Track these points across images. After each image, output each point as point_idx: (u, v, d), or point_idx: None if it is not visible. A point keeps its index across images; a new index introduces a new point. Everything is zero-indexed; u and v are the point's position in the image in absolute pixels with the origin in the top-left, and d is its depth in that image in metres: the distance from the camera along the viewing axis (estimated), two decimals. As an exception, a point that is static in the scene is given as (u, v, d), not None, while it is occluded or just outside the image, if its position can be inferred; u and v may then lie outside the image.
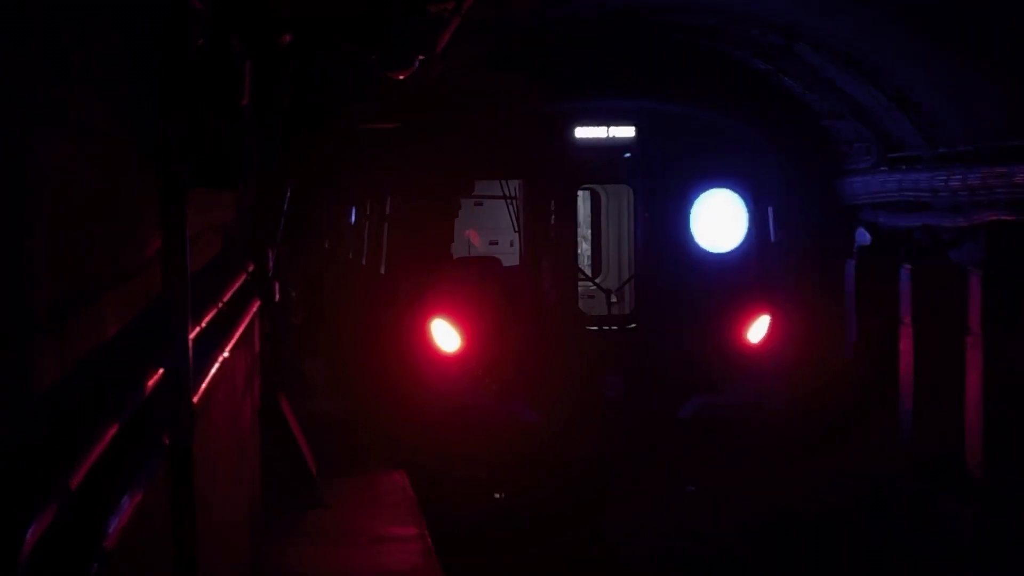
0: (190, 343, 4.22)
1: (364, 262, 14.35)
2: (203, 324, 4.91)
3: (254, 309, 6.41)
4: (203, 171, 3.94)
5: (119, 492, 2.99)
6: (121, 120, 3.71)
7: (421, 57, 6.92)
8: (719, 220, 12.09)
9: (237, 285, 5.92)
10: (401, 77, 7.07)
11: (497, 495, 10.98)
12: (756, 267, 12.08)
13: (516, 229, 12.19)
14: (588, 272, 14.01)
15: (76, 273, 2.89)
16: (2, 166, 2.14)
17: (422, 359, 11.06)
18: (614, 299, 12.32)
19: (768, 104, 12.98)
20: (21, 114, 2.29)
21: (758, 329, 11.89)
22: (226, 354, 5.06)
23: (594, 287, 13.28)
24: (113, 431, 2.85)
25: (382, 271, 12.72)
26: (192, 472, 4.30)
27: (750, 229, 12.08)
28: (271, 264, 7.69)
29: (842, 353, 13.45)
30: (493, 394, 10.90)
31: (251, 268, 6.81)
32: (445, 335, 11.17)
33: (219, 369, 5.05)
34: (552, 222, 11.82)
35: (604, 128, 11.82)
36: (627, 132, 11.82)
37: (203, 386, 4.79)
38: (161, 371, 3.94)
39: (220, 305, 5.25)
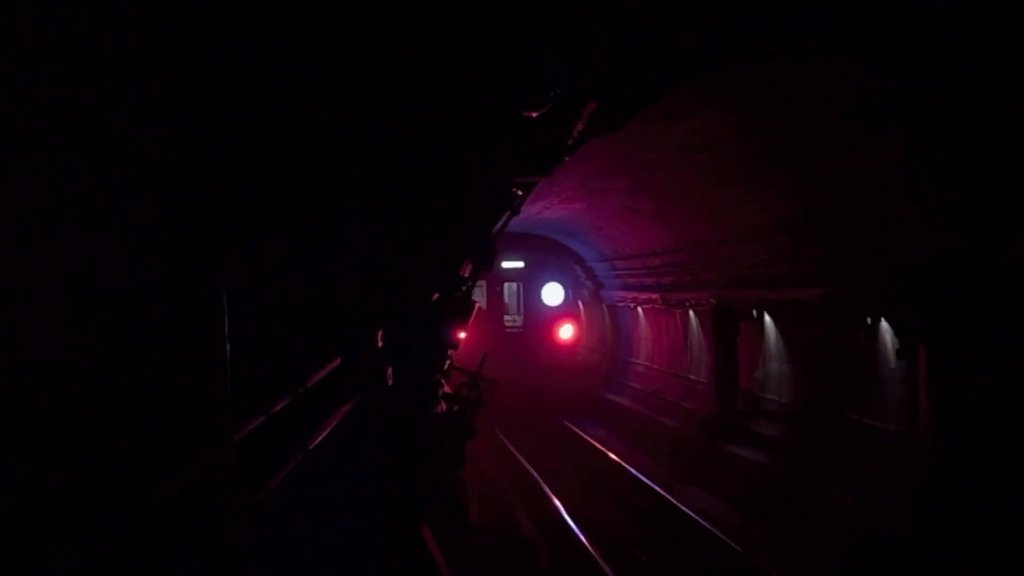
0: (240, 434, 3.33)
1: None
2: (273, 411, 4.04)
3: (351, 403, 5.46)
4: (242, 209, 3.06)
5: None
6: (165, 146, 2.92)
7: (557, 93, 6.12)
8: (553, 293, 36.40)
9: (330, 368, 5.04)
10: (535, 115, 6.37)
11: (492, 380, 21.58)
12: (566, 310, 36.35)
13: (485, 296, 33.81)
14: (514, 311, 37.56)
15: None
16: None
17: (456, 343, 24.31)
18: (519, 322, 37.20)
19: (570, 252, 34.23)
20: None
21: (567, 331, 36.13)
22: (299, 453, 4.15)
23: (511, 318, 37.36)
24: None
25: None
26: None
27: (564, 296, 36.33)
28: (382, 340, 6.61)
29: (599, 342, 34.51)
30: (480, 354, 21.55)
31: (351, 347, 5.92)
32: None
33: (292, 471, 4.15)
34: (495, 294, 35.76)
35: (512, 263, 34.96)
36: (520, 264, 35.52)
37: (268, 486, 3.90)
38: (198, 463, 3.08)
39: (300, 391, 4.38)
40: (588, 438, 25.59)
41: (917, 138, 12.52)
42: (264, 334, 4.04)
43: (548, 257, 34.78)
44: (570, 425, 27.76)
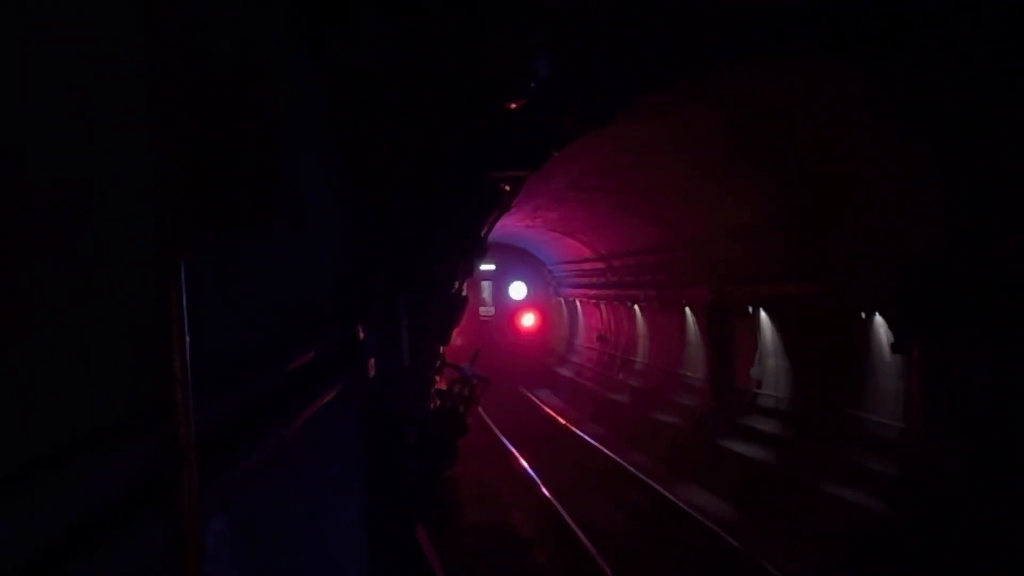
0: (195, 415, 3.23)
1: None
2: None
3: (331, 393, 5.37)
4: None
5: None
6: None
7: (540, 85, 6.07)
8: (518, 290, 46.53)
9: (308, 357, 4.95)
10: (514, 106, 6.32)
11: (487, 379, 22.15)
12: (530, 302, 46.12)
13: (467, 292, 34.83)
14: (488, 304, 46.49)
15: None
16: None
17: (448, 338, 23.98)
18: (491, 312, 46.04)
19: (534, 257, 44.19)
20: None
21: (529, 319, 46.31)
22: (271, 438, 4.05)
23: (485, 309, 45.84)
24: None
25: None
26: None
27: (527, 292, 46.33)
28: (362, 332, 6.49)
29: (556, 328, 45.06)
30: (465, 340, 23.64)
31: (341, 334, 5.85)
32: None
33: (269, 463, 4.06)
34: (473, 288, 34.21)
35: (488, 265, 41.63)
36: (492, 266, 43.06)
37: (240, 477, 3.81)
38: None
39: (275, 379, 4.30)
40: (538, 401, 35.94)
41: (912, 136, 12.47)
42: (236, 320, 3.96)
43: (514, 261, 44.66)
44: (525, 391, 38.30)
